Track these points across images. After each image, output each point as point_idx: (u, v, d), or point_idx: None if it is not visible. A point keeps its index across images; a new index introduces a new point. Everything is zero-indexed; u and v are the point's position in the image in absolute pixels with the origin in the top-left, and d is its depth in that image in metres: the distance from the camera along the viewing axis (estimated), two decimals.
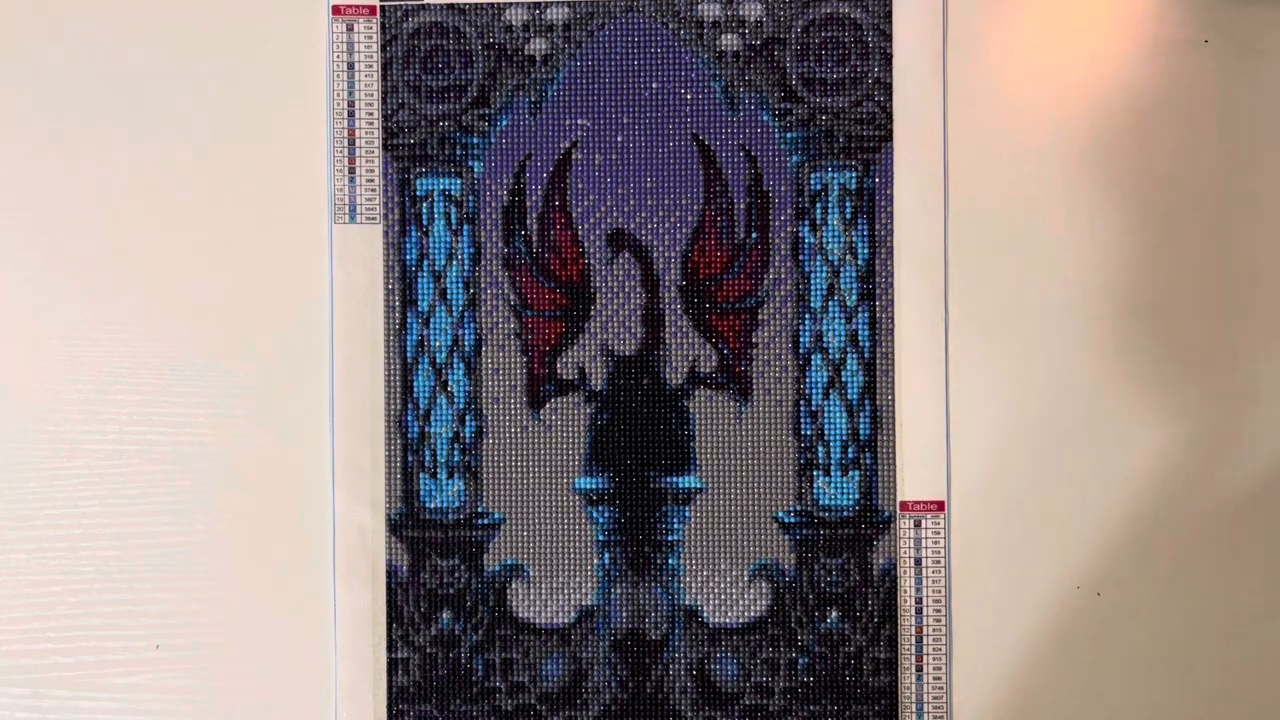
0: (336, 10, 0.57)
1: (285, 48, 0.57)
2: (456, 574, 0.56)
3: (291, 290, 0.56)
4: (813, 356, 0.56)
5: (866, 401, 0.56)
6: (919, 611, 0.56)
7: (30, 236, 0.56)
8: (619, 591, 0.56)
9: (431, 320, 0.57)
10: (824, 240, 0.57)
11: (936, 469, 0.56)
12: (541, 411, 0.57)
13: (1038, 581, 0.55)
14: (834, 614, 0.56)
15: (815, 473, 0.56)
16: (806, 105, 0.56)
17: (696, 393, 0.56)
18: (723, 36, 0.57)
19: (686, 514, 0.56)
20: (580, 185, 0.57)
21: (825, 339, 0.56)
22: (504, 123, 0.57)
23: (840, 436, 0.56)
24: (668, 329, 0.57)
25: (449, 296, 0.57)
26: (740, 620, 0.56)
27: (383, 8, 0.57)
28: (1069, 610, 0.55)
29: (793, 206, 0.57)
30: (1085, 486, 0.55)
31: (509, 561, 0.57)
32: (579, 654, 0.57)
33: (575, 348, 0.57)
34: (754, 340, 0.57)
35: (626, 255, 0.57)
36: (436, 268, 0.57)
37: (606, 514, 0.56)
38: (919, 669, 0.56)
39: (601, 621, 0.56)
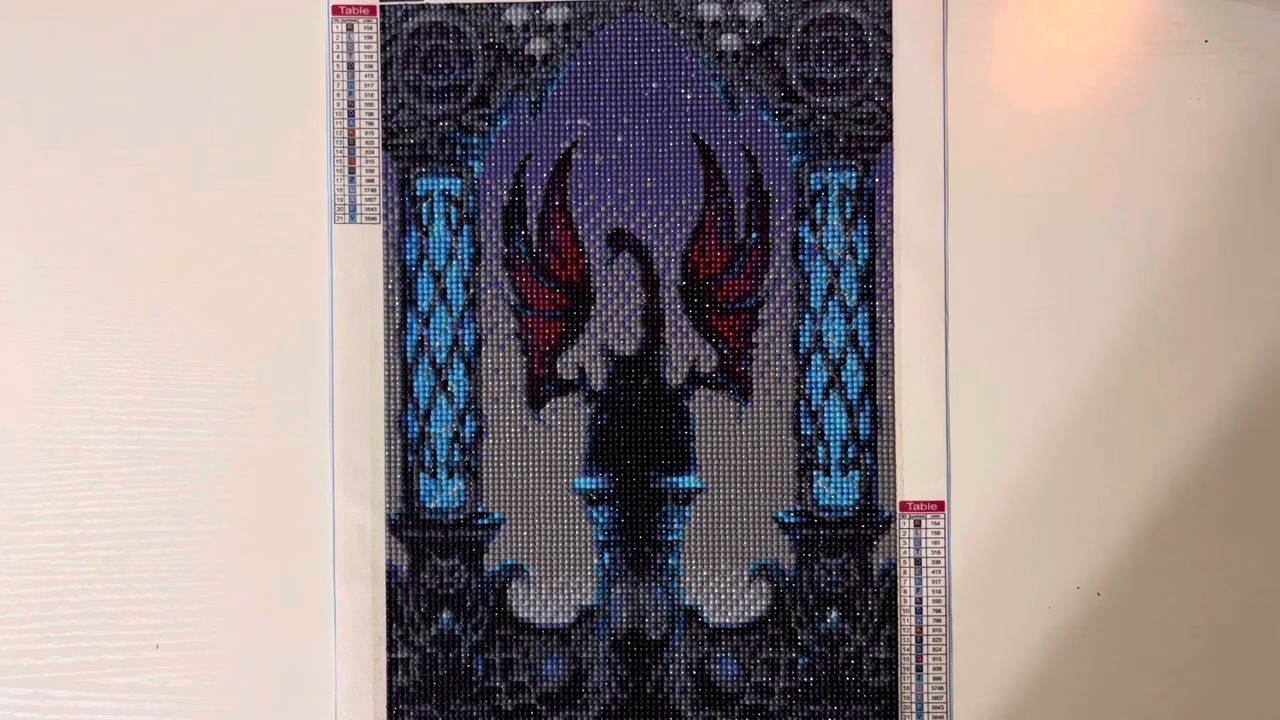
0: (336, 10, 0.57)
1: (285, 48, 0.57)
2: (456, 574, 0.56)
3: (291, 290, 0.56)
4: (813, 356, 0.56)
5: (866, 401, 0.56)
6: (919, 611, 0.56)
7: (30, 237, 0.56)
8: (619, 591, 0.56)
9: (431, 320, 0.57)
10: (824, 240, 0.57)
11: (936, 469, 0.56)
12: (541, 411, 0.57)
13: (1038, 581, 0.55)
14: (834, 614, 0.56)
15: (815, 473, 0.56)
16: (806, 105, 0.56)
17: (696, 393, 0.56)
18: (723, 36, 0.57)
19: (686, 514, 0.56)
20: (580, 185, 0.57)
21: (825, 339, 0.56)
22: (504, 123, 0.57)
23: (840, 436, 0.56)
24: (668, 329, 0.57)
25: (449, 296, 0.57)
26: (740, 620, 0.56)
27: (383, 8, 0.57)
28: (1069, 610, 0.55)
29: (793, 206, 0.57)
30: (1086, 486, 0.55)
31: (509, 561, 0.57)
32: (579, 654, 0.57)
33: (575, 348, 0.57)
34: (754, 340, 0.57)
35: (626, 255, 0.57)
36: (436, 268, 0.57)
37: (606, 514, 0.56)
38: (919, 669, 0.56)
39: (601, 621, 0.56)
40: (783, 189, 0.57)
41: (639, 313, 0.57)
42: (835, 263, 0.56)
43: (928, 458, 0.56)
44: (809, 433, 0.56)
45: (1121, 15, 0.56)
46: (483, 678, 0.56)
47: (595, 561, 0.56)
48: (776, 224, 0.57)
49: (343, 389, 0.56)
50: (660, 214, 0.57)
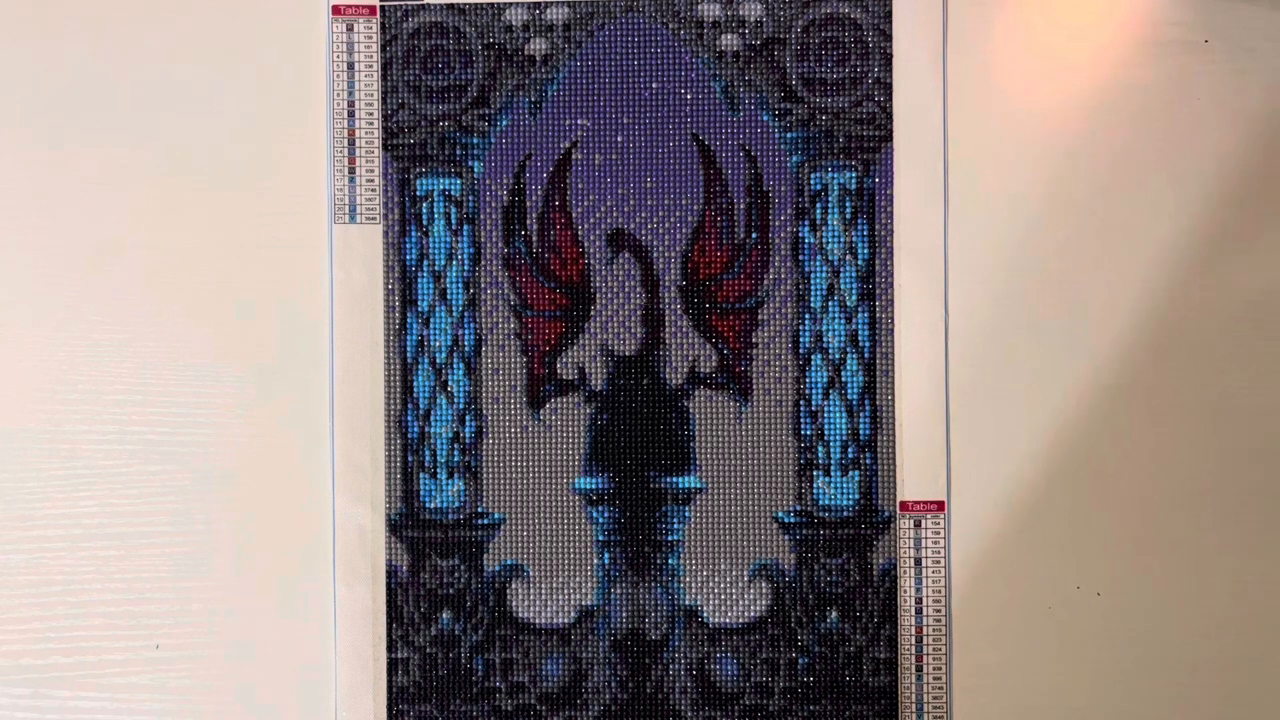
0: (336, 10, 0.57)
1: (285, 48, 0.57)
2: (456, 574, 0.56)
3: (291, 290, 0.56)
4: (813, 356, 0.56)
5: (866, 401, 0.56)
6: (919, 611, 0.56)
7: (30, 236, 0.56)
8: (619, 591, 0.56)
9: (431, 320, 0.57)
10: (824, 240, 0.57)
11: (936, 469, 0.56)
12: (541, 411, 0.57)
13: (1038, 581, 0.55)
14: (834, 614, 0.56)
15: (815, 473, 0.56)
16: (806, 105, 0.56)
17: (696, 393, 0.56)
18: (723, 36, 0.57)
19: (686, 514, 0.56)
20: (580, 185, 0.57)
21: (825, 339, 0.56)
22: (504, 123, 0.57)
23: (840, 436, 0.56)
24: (668, 329, 0.57)
25: (449, 296, 0.57)
26: (740, 620, 0.56)
27: (383, 8, 0.57)
28: (1069, 610, 0.55)
29: (793, 206, 0.57)
30: (1086, 486, 0.55)
31: (509, 561, 0.57)
32: (579, 654, 0.57)
33: (575, 348, 0.57)
34: (754, 340, 0.57)
35: (626, 255, 0.57)
36: (436, 268, 0.57)
37: (606, 514, 0.56)
38: (919, 669, 0.56)
39: (601, 621, 0.56)
40: (783, 189, 0.57)
41: (639, 313, 0.57)
42: (835, 263, 0.56)
43: (928, 458, 0.56)
44: (809, 433, 0.56)
45: (1121, 15, 0.56)
46: (483, 678, 0.56)
47: (595, 561, 0.56)
48: (776, 224, 0.57)
49: (343, 389, 0.56)
50: (660, 214, 0.57)
